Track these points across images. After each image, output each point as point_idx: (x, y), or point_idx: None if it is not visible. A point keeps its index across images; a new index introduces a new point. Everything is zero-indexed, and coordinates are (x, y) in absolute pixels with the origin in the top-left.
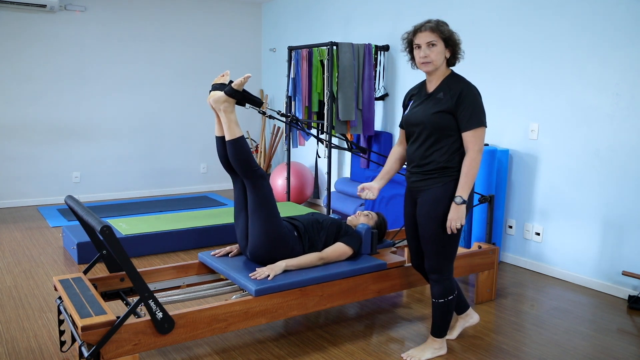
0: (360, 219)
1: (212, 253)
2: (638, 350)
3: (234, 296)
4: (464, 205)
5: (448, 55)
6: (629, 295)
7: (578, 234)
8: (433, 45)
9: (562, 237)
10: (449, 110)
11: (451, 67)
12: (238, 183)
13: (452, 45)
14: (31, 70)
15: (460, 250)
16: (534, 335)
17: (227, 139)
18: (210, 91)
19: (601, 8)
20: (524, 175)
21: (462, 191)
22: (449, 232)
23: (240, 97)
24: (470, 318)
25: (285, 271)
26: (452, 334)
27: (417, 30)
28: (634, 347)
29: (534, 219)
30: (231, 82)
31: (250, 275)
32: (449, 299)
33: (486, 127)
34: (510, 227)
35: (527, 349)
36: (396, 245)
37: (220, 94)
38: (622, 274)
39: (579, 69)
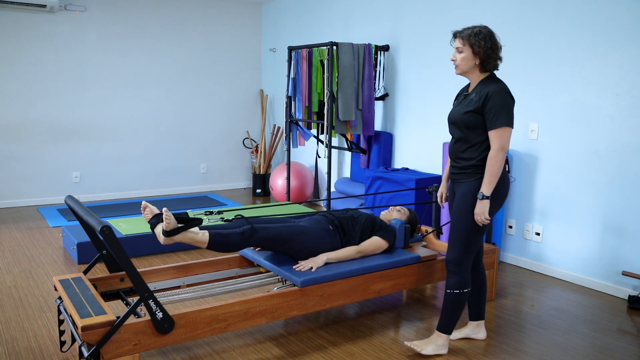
0: (394, 214)
1: (252, 247)
2: (638, 350)
3: (276, 287)
4: (487, 201)
5: (477, 62)
6: (629, 295)
7: (578, 234)
8: (460, 51)
9: (562, 237)
10: (478, 110)
11: (492, 72)
12: None
13: (478, 54)
14: (31, 70)
15: None
16: (534, 335)
17: (203, 248)
18: (151, 229)
19: (601, 8)
20: (524, 175)
21: (484, 187)
22: (480, 224)
23: (179, 230)
24: (479, 332)
25: (326, 264)
26: (454, 335)
27: (453, 36)
28: (634, 347)
29: (534, 219)
30: (160, 213)
31: (294, 267)
32: (464, 291)
33: (512, 127)
34: (510, 227)
35: (527, 349)
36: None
37: (162, 238)
38: (622, 274)
39: (579, 69)
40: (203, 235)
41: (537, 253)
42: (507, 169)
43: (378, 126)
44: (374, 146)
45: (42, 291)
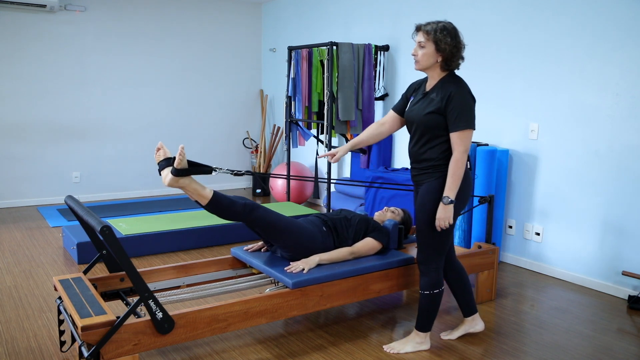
0: (387, 215)
1: (245, 248)
2: (638, 350)
3: (268, 289)
4: (452, 205)
5: (439, 60)
6: (629, 295)
7: (578, 234)
8: (422, 46)
9: (562, 237)
10: (439, 111)
11: (453, 70)
12: None
13: (442, 51)
14: (31, 70)
15: (460, 250)
16: (534, 335)
17: (202, 205)
18: (158, 170)
19: (601, 8)
20: (524, 175)
21: (449, 191)
22: (438, 229)
23: (188, 172)
24: (476, 325)
25: (318, 265)
26: (453, 335)
27: (416, 29)
28: (634, 347)
29: (534, 219)
30: (173, 158)
31: (285, 269)
32: (434, 292)
33: (474, 129)
34: (510, 227)
35: (527, 349)
36: None
37: (169, 178)
38: (622, 274)
39: (579, 69)
40: (209, 192)
41: (537, 253)
42: (468, 166)
43: None
44: (373, 146)
45: (42, 291)
